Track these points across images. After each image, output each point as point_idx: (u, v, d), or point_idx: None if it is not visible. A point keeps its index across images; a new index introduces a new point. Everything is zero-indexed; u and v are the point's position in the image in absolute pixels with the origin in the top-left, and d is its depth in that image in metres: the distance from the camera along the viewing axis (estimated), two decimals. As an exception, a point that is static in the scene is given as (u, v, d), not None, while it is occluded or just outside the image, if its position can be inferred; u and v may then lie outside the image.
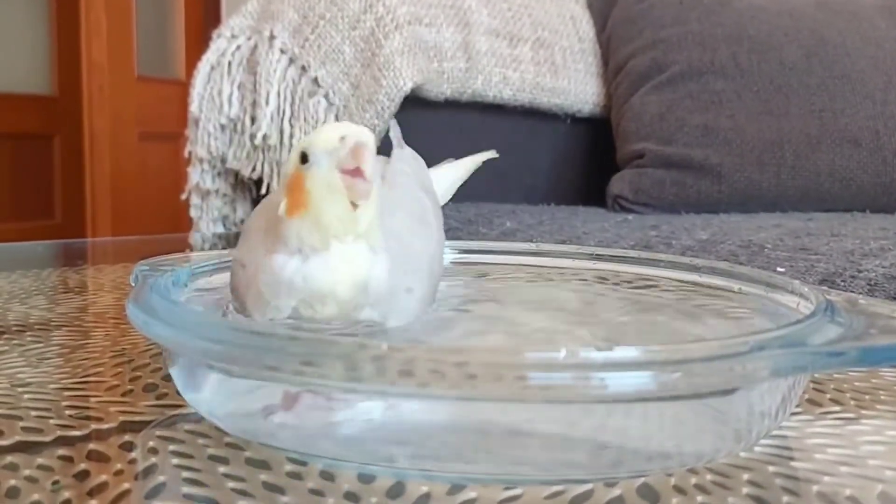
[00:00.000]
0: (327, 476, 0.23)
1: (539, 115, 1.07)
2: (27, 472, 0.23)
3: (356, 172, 0.26)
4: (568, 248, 0.42)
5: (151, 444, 0.25)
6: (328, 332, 0.27)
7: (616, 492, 0.22)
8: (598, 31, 1.12)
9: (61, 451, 0.24)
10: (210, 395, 0.26)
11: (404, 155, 0.36)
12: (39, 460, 0.24)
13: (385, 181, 0.32)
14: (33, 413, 0.28)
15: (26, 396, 0.29)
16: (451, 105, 0.99)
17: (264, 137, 0.93)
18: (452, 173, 0.42)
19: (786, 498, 0.22)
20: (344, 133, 0.26)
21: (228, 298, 0.31)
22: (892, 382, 0.33)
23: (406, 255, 0.29)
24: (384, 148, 0.39)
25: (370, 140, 0.26)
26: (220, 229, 1.02)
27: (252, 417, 0.26)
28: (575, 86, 1.08)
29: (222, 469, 0.23)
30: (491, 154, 0.42)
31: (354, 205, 0.26)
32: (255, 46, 0.96)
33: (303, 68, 0.94)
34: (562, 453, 0.23)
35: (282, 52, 0.94)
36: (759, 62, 0.96)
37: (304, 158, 0.26)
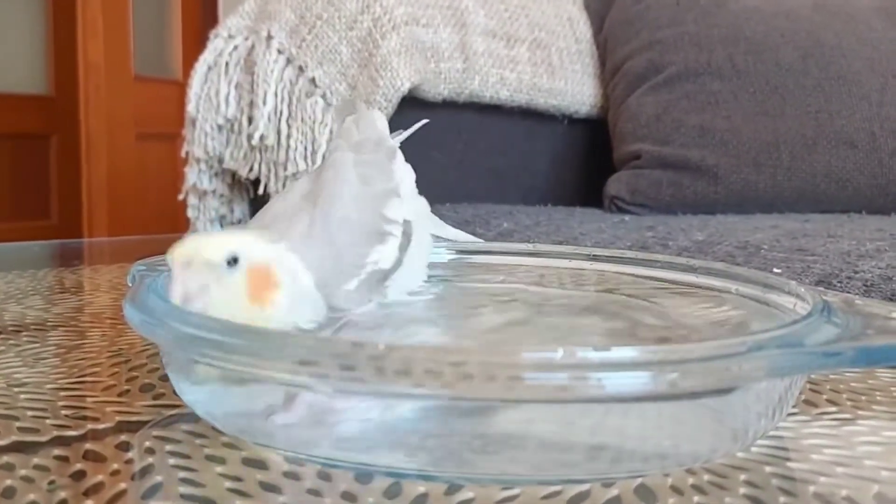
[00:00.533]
0: (324, 476, 0.23)
1: (536, 115, 1.07)
2: (23, 472, 0.23)
3: None
4: (565, 248, 0.42)
5: (148, 444, 0.25)
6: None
7: (613, 492, 0.22)
8: (594, 32, 1.12)
9: (57, 451, 0.24)
10: (207, 395, 0.26)
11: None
12: (35, 460, 0.24)
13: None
14: (29, 413, 0.28)
15: (22, 396, 0.29)
16: (449, 105, 0.99)
17: (261, 138, 0.93)
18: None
19: (782, 498, 0.22)
20: (173, 258, 0.27)
21: None
22: (889, 383, 0.33)
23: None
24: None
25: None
26: (217, 229, 1.02)
27: (249, 417, 0.26)
28: (572, 87, 1.08)
29: (219, 469, 0.23)
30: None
31: None
32: (253, 47, 0.96)
33: (300, 68, 0.94)
34: (559, 453, 0.23)
35: (279, 52, 0.94)
36: (755, 63, 0.97)
37: None
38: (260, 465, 0.23)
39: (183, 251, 0.27)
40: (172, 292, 0.26)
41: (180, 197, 1.03)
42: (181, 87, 1.18)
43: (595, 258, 0.40)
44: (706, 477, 0.23)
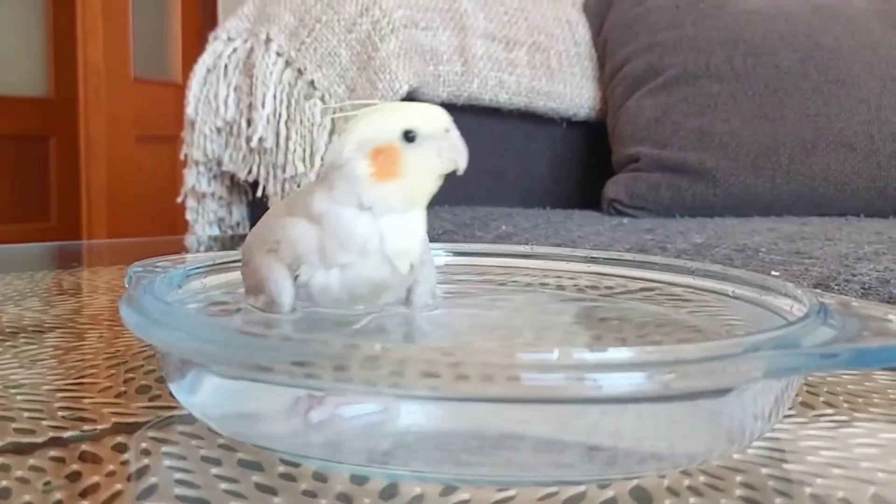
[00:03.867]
0: (320, 477, 0.23)
1: (535, 118, 1.07)
2: (19, 473, 0.23)
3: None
4: (562, 250, 0.42)
5: (144, 445, 0.25)
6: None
7: (609, 493, 0.22)
8: (594, 34, 1.13)
9: (53, 453, 0.24)
10: (203, 397, 0.26)
11: None
12: (31, 461, 0.24)
13: None
14: (26, 414, 0.28)
15: (19, 398, 0.29)
16: (447, 108, 0.98)
17: (260, 140, 0.93)
18: None
19: (778, 500, 0.22)
20: (448, 125, 0.31)
21: (240, 297, 0.32)
22: (886, 385, 0.33)
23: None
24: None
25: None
26: (215, 232, 1.02)
27: (245, 419, 0.25)
28: (571, 89, 1.08)
29: (215, 470, 0.23)
30: None
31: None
32: (252, 49, 0.96)
33: (299, 71, 0.94)
34: (555, 455, 0.23)
35: (278, 54, 0.94)
36: (754, 66, 0.97)
37: (407, 136, 0.30)
38: (256, 466, 0.23)
39: (442, 115, 0.31)
40: (461, 148, 0.30)
41: (179, 199, 1.03)
42: (180, 90, 1.18)
43: (593, 260, 0.40)
44: (702, 478, 0.23)
